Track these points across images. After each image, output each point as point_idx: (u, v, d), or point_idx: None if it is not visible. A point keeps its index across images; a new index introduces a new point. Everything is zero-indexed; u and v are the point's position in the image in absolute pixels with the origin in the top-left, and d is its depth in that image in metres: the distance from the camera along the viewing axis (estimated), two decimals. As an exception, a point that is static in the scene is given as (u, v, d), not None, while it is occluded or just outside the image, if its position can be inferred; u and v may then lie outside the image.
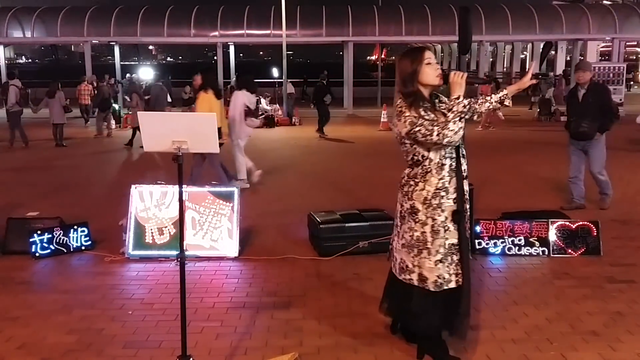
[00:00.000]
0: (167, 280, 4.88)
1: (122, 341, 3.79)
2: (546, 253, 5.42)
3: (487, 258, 5.37)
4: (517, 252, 5.44)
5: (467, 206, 3.40)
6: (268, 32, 23.82)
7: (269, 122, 18.13)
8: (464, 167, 3.34)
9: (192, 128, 3.20)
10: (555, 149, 11.44)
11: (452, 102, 3.21)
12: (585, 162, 7.03)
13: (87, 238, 5.69)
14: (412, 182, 3.32)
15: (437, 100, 3.37)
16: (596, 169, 6.99)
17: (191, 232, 5.43)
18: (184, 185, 3.32)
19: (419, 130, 3.17)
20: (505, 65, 45.49)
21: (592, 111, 6.70)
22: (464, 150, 3.36)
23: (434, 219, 3.27)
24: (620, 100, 20.20)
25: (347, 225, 5.51)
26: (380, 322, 4.01)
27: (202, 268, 5.20)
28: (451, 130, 3.13)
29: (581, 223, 5.49)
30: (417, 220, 3.30)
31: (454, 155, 3.29)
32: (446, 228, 3.28)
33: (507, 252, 5.45)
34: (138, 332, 3.92)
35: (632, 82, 34.49)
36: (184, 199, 3.37)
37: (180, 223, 3.33)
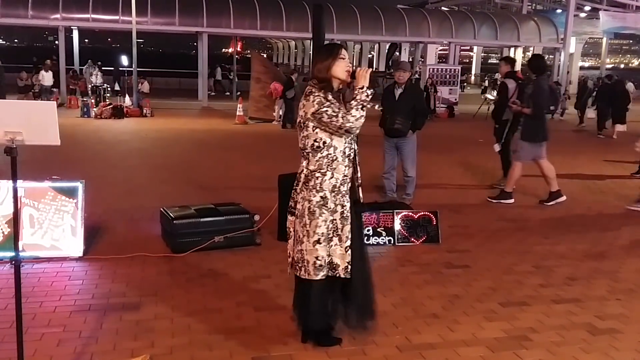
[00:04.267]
0: (0, 285, 4.44)
1: (-55, 355, 3.39)
2: (392, 242, 5.76)
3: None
4: (366, 242, 5.70)
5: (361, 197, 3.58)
6: (116, 17, 22.46)
7: (117, 112, 17.09)
8: (357, 159, 3.54)
9: (29, 117, 2.93)
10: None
11: (356, 92, 3.38)
12: (398, 158, 7.23)
13: None
14: (318, 174, 3.39)
15: (340, 96, 3.53)
16: (407, 166, 7.21)
17: (29, 231, 4.98)
18: (20, 180, 3.03)
19: (326, 110, 3.30)
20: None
21: (407, 110, 6.93)
22: (356, 145, 3.54)
23: (343, 206, 3.41)
24: (455, 100, 22.08)
25: (201, 220, 5.40)
26: (236, 317, 4.00)
27: (42, 270, 4.81)
28: (353, 116, 3.30)
29: (422, 213, 5.92)
30: (328, 209, 3.38)
31: (352, 146, 3.47)
32: (350, 215, 3.43)
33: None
34: (-35, 344, 3.52)
35: (465, 84, 37.70)
36: (20, 195, 3.08)
37: (14, 221, 3.05)
